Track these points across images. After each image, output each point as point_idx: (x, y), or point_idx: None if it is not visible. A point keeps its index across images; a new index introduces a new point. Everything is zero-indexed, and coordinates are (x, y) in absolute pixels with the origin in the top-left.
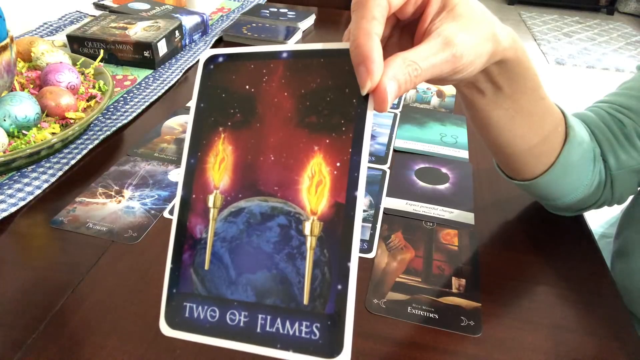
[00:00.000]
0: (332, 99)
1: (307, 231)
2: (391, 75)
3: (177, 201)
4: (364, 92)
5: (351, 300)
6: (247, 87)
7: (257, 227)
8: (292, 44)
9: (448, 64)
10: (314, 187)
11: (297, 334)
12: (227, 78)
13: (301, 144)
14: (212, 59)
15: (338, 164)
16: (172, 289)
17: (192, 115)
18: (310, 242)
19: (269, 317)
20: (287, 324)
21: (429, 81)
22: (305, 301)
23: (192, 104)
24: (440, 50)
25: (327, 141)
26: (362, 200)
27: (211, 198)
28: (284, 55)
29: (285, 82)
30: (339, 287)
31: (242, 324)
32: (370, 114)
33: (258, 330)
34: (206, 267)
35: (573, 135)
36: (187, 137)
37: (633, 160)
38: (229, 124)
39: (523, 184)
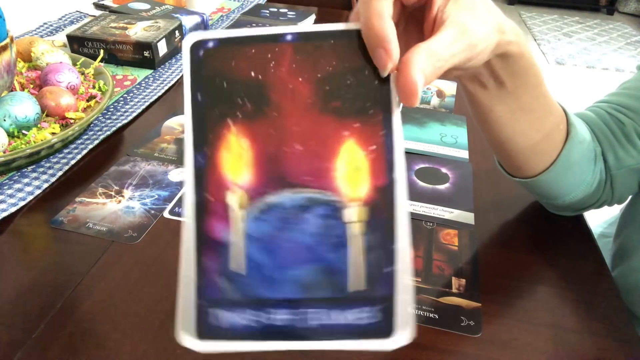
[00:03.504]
0: (353, 82)
1: (351, 218)
2: (419, 69)
3: (188, 205)
4: (385, 74)
5: (404, 279)
6: (253, 73)
7: (293, 221)
8: (294, 26)
9: (465, 53)
10: (352, 173)
11: (352, 321)
12: (224, 65)
13: (329, 131)
14: (199, 45)
15: (372, 148)
16: (195, 298)
17: (188, 110)
18: (357, 229)
19: (320, 310)
20: (341, 313)
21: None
22: (357, 287)
23: (186, 97)
24: (458, 39)
25: (356, 125)
26: (404, 181)
27: (232, 197)
28: (289, 37)
29: (297, 66)
30: (390, 268)
31: (288, 322)
32: (395, 93)
33: (309, 324)
34: (244, 272)
35: (574, 134)
36: (188, 134)
37: (632, 159)
38: (239, 115)
39: (524, 181)
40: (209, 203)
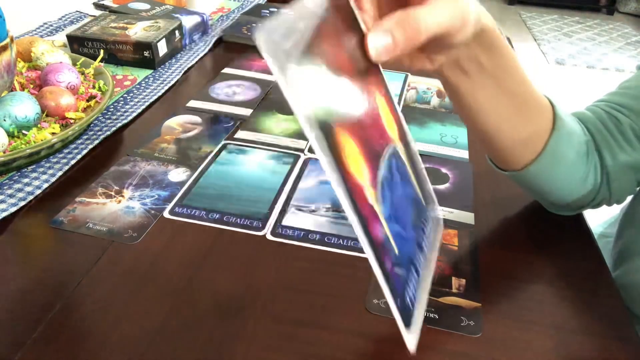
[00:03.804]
0: (358, 34)
1: (404, 156)
2: (385, 29)
3: (357, 228)
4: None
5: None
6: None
7: (395, 184)
8: None
9: (456, 19)
10: (388, 119)
11: (426, 236)
12: None
13: (370, 86)
14: None
15: (384, 92)
16: (397, 301)
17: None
18: (408, 164)
19: (418, 244)
20: (424, 234)
21: (425, 68)
22: (426, 205)
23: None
24: (448, 6)
25: (373, 75)
26: (400, 112)
27: (370, 197)
28: None
29: (337, 14)
30: (428, 185)
31: (417, 268)
32: None
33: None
34: (397, 252)
35: (561, 125)
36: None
37: (629, 156)
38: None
39: (513, 174)
40: (365, 213)
